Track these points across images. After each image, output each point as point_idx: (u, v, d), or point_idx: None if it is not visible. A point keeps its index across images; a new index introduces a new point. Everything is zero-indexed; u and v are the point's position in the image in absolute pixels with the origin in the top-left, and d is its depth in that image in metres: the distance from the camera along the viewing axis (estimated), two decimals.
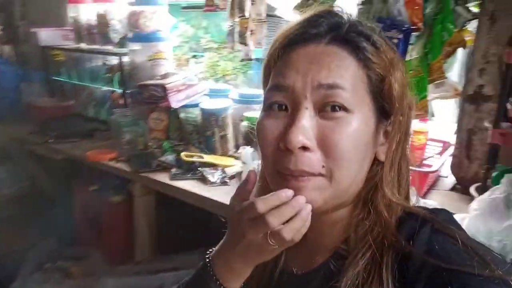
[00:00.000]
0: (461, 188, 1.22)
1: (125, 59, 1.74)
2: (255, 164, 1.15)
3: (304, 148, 0.44)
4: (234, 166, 1.39)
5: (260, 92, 1.64)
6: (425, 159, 1.34)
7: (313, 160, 0.45)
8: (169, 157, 1.41)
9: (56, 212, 2.26)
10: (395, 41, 1.07)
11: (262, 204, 0.44)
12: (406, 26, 1.05)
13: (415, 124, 1.33)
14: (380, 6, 1.13)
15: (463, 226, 0.80)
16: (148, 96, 1.54)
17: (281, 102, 0.48)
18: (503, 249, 0.71)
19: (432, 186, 1.24)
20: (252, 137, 1.32)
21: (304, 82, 0.46)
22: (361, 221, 0.49)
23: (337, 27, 0.48)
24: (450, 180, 1.28)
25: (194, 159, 1.35)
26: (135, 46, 1.69)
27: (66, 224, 1.80)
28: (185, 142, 1.58)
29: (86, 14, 2.02)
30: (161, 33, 1.71)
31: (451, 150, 1.25)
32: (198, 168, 1.32)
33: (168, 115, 1.61)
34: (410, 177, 0.53)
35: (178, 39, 1.99)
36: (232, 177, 1.30)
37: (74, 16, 2.08)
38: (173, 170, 1.32)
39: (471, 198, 1.07)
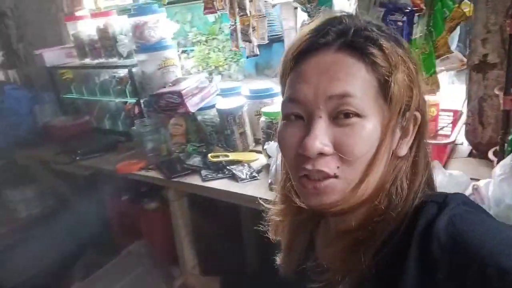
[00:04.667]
0: (478, 153, 1.29)
1: (135, 70, 1.79)
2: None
3: (321, 154, 0.48)
4: (258, 160, 1.46)
5: (270, 85, 1.69)
6: (438, 130, 1.40)
7: (330, 163, 0.49)
8: (196, 160, 1.48)
9: (91, 226, 2.34)
10: (400, 24, 1.12)
11: None
12: (408, 8, 1.10)
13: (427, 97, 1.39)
14: None
15: (489, 192, 0.88)
16: (165, 104, 1.59)
17: (296, 113, 0.52)
18: None
19: (450, 155, 1.32)
20: (271, 131, 1.39)
21: (315, 94, 0.49)
22: (379, 214, 0.51)
23: (343, 34, 0.50)
24: (465, 147, 1.35)
25: (221, 158, 1.42)
26: (143, 57, 1.73)
27: (103, 236, 1.88)
28: (205, 143, 1.65)
29: (85, 29, 2.06)
30: (166, 40, 1.75)
31: (463, 118, 1.31)
32: (227, 167, 1.39)
33: (186, 119, 1.67)
34: (431, 165, 0.56)
35: None
36: (259, 171, 1.37)
37: (74, 33, 2.12)
38: (203, 172, 1.39)
39: (490, 162, 1.14)
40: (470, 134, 1.28)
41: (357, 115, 0.48)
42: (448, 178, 0.94)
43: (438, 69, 1.29)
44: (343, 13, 0.54)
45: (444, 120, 1.43)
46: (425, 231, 0.45)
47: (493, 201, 0.84)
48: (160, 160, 1.58)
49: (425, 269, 0.44)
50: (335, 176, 0.49)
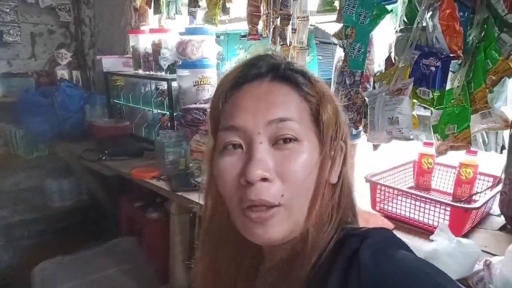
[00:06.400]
0: (511, 228, 1.11)
1: (174, 84, 1.85)
2: None
3: (264, 180, 0.48)
4: None
5: None
6: (473, 194, 1.25)
7: (273, 190, 0.48)
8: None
9: (106, 224, 2.41)
10: (433, 69, 1.03)
11: None
12: (444, 53, 1.02)
13: (464, 157, 1.26)
14: (418, 34, 1.11)
15: (498, 270, 0.73)
16: (191, 119, 1.61)
17: (235, 142, 0.51)
18: None
19: (479, 225, 1.15)
20: None
21: (255, 121, 0.50)
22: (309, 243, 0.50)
23: (275, 67, 0.54)
24: (501, 219, 1.17)
25: None
26: (183, 72, 1.79)
27: (113, 237, 1.90)
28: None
29: (144, 43, 2.19)
30: (207, 60, 1.80)
31: (500, 186, 1.15)
32: None
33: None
34: (355, 199, 0.58)
35: None
36: None
37: (133, 45, 2.27)
38: None
39: None
40: (504, 205, 1.11)
41: (295, 140, 0.49)
42: (455, 245, 0.80)
43: (478, 126, 1.17)
44: (272, 51, 0.58)
45: (483, 185, 1.28)
46: (346, 262, 0.45)
47: (500, 281, 0.70)
48: (174, 173, 1.57)
49: None
50: (281, 205, 0.49)
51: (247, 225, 0.50)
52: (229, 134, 0.51)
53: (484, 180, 1.28)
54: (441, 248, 0.80)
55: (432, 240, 0.86)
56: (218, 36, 2.12)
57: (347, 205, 0.55)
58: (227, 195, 0.52)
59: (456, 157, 1.26)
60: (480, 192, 1.24)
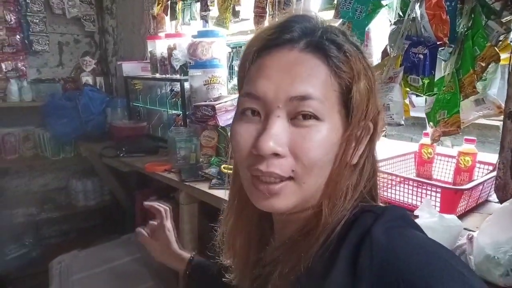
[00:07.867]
0: None
1: (186, 85, 1.95)
2: None
3: (276, 155, 0.47)
4: None
5: None
6: (472, 182, 1.26)
7: (284, 164, 0.47)
8: (213, 170, 1.53)
9: (125, 221, 2.52)
10: (421, 56, 1.07)
11: None
12: (431, 41, 1.06)
13: (462, 145, 1.28)
14: (409, 25, 1.15)
15: (474, 241, 0.76)
16: (200, 115, 1.70)
17: (253, 109, 0.50)
18: (509, 261, 0.67)
19: (475, 209, 1.17)
20: None
21: (276, 93, 0.47)
22: (321, 219, 0.50)
23: (310, 33, 0.50)
24: (498, 205, 1.19)
25: None
26: (195, 72, 1.89)
27: (130, 232, 2.00)
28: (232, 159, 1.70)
29: (160, 48, 2.32)
30: (217, 60, 1.89)
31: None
32: None
33: (218, 133, 1.75)
34: (378, 178, 0.57)
35: None
36: None
37: (151, 50, 2.40)
38: (214, 181, 1.43)
39: None
40: (499, 190, 1.13)
41: (316, 117, 0.47)
42: (437, 219, 0.84)
43: (473, 113, 1.19)
44: (311, 13, 0.54)
45: (483, 173, 1.29)
46: (359, 238, 0.45)
47: (476, 249, 0.73)
48: (186, 166, 1.66)
49: (352, 274, 0.43)
50: (289, 178, 0.48)
51: (253, 194, 0.51)
52: (248, 100, 0.50)
53: (483, 168, 1.30)
54: (423, 223, 0.84)
55: (416, 216, 0.89)
56: (240, 47, 2.22)
57: (366, 188, 0.53)
58: (238, 159, 0.51)
59: (456, 148, 1.28)
60: (478, 179, 1.26)
